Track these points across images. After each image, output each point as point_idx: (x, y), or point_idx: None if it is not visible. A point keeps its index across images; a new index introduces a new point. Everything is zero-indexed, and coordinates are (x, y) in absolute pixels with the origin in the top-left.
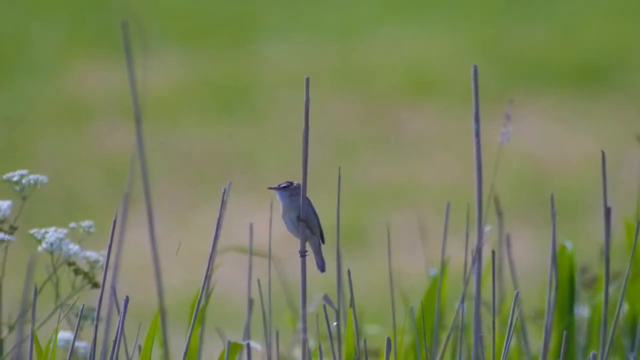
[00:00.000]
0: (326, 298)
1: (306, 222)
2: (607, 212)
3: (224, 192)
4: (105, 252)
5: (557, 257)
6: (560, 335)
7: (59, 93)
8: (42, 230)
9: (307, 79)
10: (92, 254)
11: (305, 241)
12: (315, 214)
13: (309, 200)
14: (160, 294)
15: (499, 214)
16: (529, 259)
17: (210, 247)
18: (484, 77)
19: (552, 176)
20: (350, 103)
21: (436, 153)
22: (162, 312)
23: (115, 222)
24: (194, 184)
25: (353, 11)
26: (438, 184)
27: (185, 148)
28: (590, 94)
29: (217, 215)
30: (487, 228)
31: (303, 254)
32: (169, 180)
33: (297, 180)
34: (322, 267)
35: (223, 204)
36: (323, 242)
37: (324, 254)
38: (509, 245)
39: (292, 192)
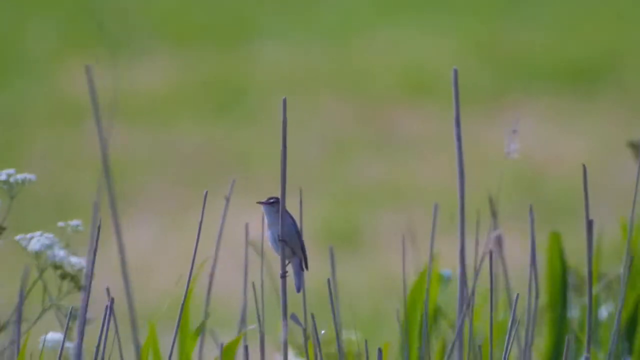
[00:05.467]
0: (293, 317)
1: (286, 242)
2: (589, 224)
3: (227, 200)
4: (87, 256)
5: (549, 255)
6: (554, 337)
7: (52, 93)
8: (29, 236)
9: (285, 100)
10: (76, 260)
11: (286, 261)
12: (298, 233)
13: (292, 219)
14: (131, 307)
15: (493, 215)
16: (523, 260)
17: (213, 253)
18: (480, 78)
19: (547, 176)
20: (345, 104)
21: (432, 154)
22: (134, 324)
23: (99, 227)
24: (188, 184)
25: (349, 12)
26: (433, 185)
27: (180, 148)
28: (585, 95)
29: (219, 228)
30: (496, 232)
31: (283, 274)
32: (164, 181)
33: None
34: (298, 288)
35: (224, 213)
36: (306, 267)
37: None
38: (500, 246)
39: (278, 207)
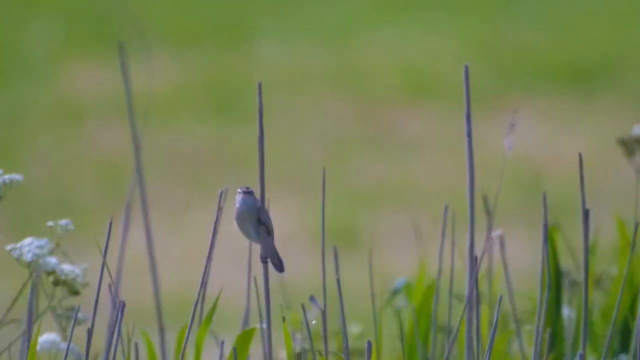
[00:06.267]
0: (312, 299)
1: (266, 226)
2: (586, 214)
3: (220, 196)
4: (98, 262)
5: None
6: (549, 336)
7: (54, 93)
8: (19, 245)
9: (260, 84)
10: (68, 267)
11: (263, 244)
12: (267, 213)
13: (258, 200)
14: (158, 301)
15: (488, 213)
16: (524, 260)
17: (206, 256)
18: (480, 78)
19: (547, 177)
20: (346, 103)
21: (432, 154)
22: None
23: (110, 229)
24: (189, 184)
25: (349, 12)
26: (434, 185)
27: (180, 149)
28: (585, 95)
29: (214, 222)
30: (497, 232)
31: (266, 259)
32: (164, 181)
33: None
34: (281, 267)
35: (219, 210)
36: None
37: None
38: (502, 246)
39: (254, 196)
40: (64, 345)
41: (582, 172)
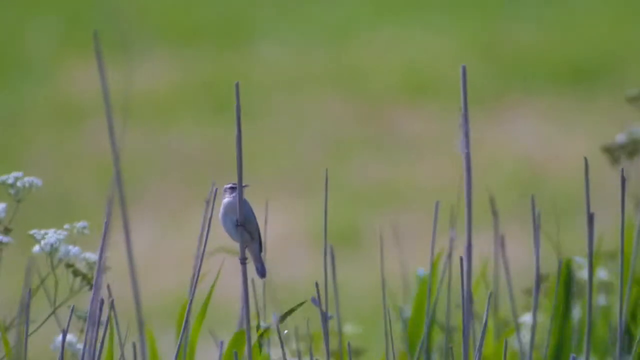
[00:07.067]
0: (314, 300)
1: (244, 226)
2: (590, 218)
3: (213, 194)
4: (98, 254)
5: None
6: (557, 338)
7: (52, 94)
8: (42, 232)
9: (237, 84)
10: (91, 256)
11: (245, 247)
12: (254, 218)
13: (248, 204)
14: (138, 302)
15: (494, 214)
16: (523, 260)
17: (198, 252)
18: (480, 78)
19: (547, 177)
20: (345, 103)
21: (432, 154)
22: (140, 323)
23: (107, 224)
24: (188, 184)
25: (349, 12)
26: (433, 185)
27: (179, 149)
28: (585, 95)
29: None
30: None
31: (243, 260)
32: (163, 181)
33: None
34: (262, 273)
35: (210, 208)
36: (261, 249)
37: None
38: (503, 246)
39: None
40: (80, 346)
41: (587, 177)
